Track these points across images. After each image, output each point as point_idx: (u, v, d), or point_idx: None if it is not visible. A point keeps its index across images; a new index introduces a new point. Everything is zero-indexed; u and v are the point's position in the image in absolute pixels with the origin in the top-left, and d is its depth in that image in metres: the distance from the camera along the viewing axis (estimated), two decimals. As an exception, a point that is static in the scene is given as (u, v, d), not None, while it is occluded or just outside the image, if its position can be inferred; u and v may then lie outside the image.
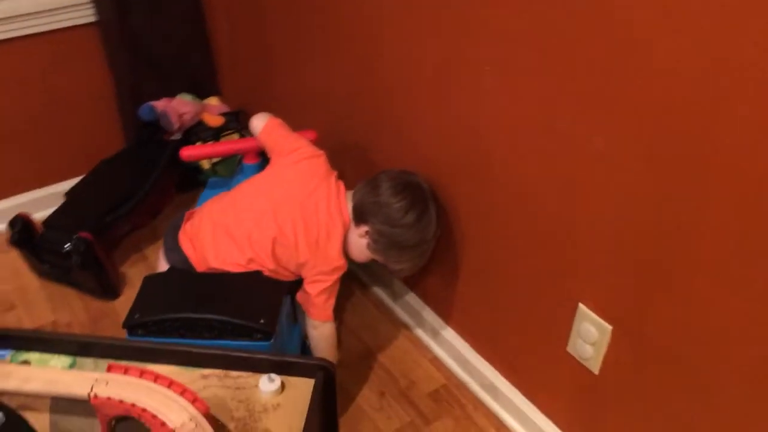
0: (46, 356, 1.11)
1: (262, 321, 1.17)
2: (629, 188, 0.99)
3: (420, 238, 1.30)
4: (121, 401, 0.94)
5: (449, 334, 1.53)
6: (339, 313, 1.67)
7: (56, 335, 1.12)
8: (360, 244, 1.32)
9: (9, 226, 1.62)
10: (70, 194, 1.73)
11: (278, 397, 1.06)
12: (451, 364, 1.55)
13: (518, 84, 1.10)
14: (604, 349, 1.14)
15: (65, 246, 1.59)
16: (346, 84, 1.55)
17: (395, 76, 1.38)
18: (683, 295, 0.97)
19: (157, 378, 0.98)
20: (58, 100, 1.82)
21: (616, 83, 0.94)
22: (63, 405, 0.99)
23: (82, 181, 1.77)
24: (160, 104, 1.83)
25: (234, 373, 1.10)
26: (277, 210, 1.29)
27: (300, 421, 1.01)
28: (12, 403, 1.03)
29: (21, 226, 1.62)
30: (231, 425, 1.02)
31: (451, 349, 1.53)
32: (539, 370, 1.33)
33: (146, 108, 1.83)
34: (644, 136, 0.93)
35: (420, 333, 1.62)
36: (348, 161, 1.66)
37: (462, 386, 1.51)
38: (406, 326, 1.65)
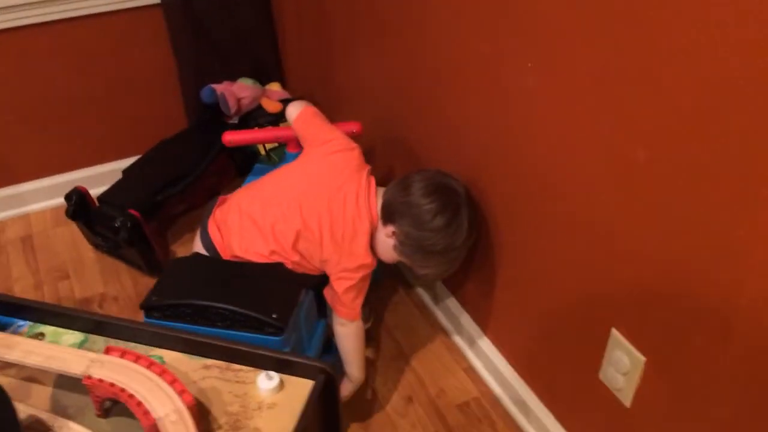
0: (60, 330, 1.13)
1: (274, 315, 1.13)
2: (671, 210, 0.88)
3: (448, 244, 1.23)
4: (111, 384, 0.93)
5: (485, 344, 1.45)
6: (379, 311, 1.63)
7: (72, 311, 1.12)
8: (387, 245, 1.26)
9: (65, 199, 1.67)
10: (127, 171, 1.77)
11: (275, 396, 1.02)
12: (485, 375, 1.46)
13: (567, 88, 1.01)
14: (636, 381, 1.03)
15: (115, 221, 1.62)
16: (396, 79, 1.50)
17: (442, 74, 1.31)
18: (723, 333, 0.85)
19: (150, 365, 0.96)
20: (123, 79, 1.86)
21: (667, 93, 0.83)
22: (65, 381, 0.99)
23: (140, 159, 1.80)
24: (221, 87, 1.84)
25: (236, 367, 1.07)
26: (303, 202, 1.25)
27: (293, 423, 0.97)
28: (20, 375, 1.04)
29: (77, 198, 1.66)
30: (222, 420, 0.99)
31: (486, 360, 1.45)
32: (572, 393, 1.23)
33: (207, 90, 1.85)
34: (691, 150, 0.82)
35: (457, 340, 1.55)
36: (397, 157, 1.61)
37: (495, 401, 1.43)
38: (444, 331, 1.58)
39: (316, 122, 1.37)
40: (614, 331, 1.05)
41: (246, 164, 1.96)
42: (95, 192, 1.73)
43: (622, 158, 0.93)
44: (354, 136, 1.39)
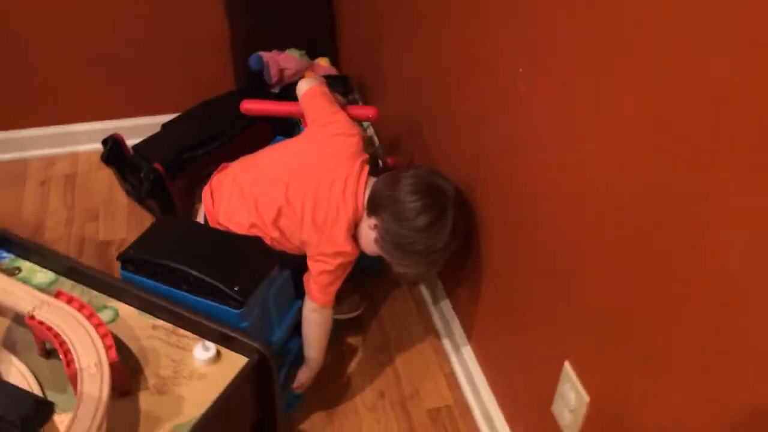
0: (36, 268, 1.19)
1: (236, 288, 1.14)
2: (629, 239, 0.81)
3: (428, 245, 1.19)
4: (49, 328, 0.97)
5: (468, 352, 1.41)
6: (376, 301, 1.61)
7: (50, 252, 1.18)
8: (369, 236, 1.24)
9: (102, 143, 1.74)
10: (165, 126, 1.82)
11: (208, 368, 1.04)
12: (463, 384, 1.42)
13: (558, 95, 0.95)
14: (580, 422, 0.97)
15: (141, 172, 1.68)
16: (423, 71, 1.45)
17: (452, 72, 1.26)
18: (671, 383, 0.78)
19: (90, 315, 0.99)
20: (175, 37, 1.91)
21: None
22: (22, 317, 1.04)
23: (180, 115, 1.85)
24: (267, 55, 1.85)
25: (182, 332, 1.09)
26: (291, 180, 1.25)
27: (216, 396, 0.98)
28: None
29: (112, 144, 1.73)
30: (152, 381, 1.01)
31: (466, 368, 1.40)
32: (527, 420, 1.17)
33: (255, 57, 1.87)
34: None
35: (446, 344, 1.50)
36: (417, 149, 1.57)
37: (466, 411, 1.38)
38: (436, 333, 1.54)
39: (322, 102, 1.35)
40: (566, 364, 0.99)
41: (286, 133, 1.97)
42: (135, 142, 1.79)
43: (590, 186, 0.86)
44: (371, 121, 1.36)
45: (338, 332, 1.51)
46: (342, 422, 1.37)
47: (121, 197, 1.89)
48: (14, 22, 1.81)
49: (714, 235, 0.66)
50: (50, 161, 1.99)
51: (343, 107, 1.48)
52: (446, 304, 1.51)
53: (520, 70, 1.00)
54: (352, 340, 1.52)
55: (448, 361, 1.48)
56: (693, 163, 0.67)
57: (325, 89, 1.38)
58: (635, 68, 0.73)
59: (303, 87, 1.39)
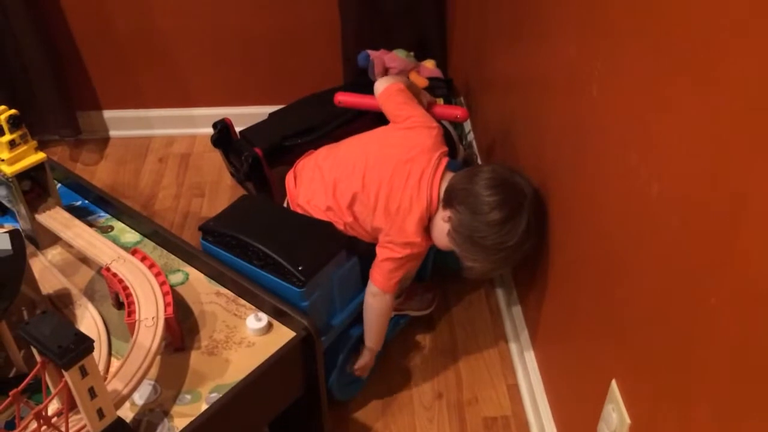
0: (126, 228, 1.29)
1: (300, 267, 1.18)
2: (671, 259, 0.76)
3: (499, 242, 1.17)
4: (120, 280, 1.05)
5: (532, 363, 1.37)
6: (450, 303, 1.60)
7: (140, 216, 1.28)
8: (442, 229, 1.24)
9: (213, 126, 1.86)
10: (272, 115, 1.91)
11: (258, 338, 1.08)
12: (525, 397, 1.38)
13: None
14: (621, 445, 0.92)
15: (243, 155, 1.77)
16: (518, 79, 1.43)
17: (539, 80, 1.24)
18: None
19: (158, 274, 1.07)
20: (290, 32, 1.99)
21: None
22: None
23: (288, 106, 1.94)
24: (374, 53, 1.89)
25: (241, 301, 1.15)
26: (368, 167, 1.27)
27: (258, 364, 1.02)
28: (78, 255, 1.20)
29: (221, 128, 1.84)
30: (204, 342, 1.07)
31: (528, 381, 1.37)
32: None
33: (363, 54, 1.91)
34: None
35: (514, 353, 1.47)
36: (509, 155, 1.55)
37: (523, 424, 1.34)
38: (505, 340, 1.51)
39: (399, 99, 1.36)
40: (613, 383, 0.94)
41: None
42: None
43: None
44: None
45: (408, 327, 1.52)
46: (396, 416, 1.37)
47: (226, 178, 2.00)
48: (154, 15, 1.98)
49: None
50: (170, 140, 2.15)
51: (432, 104, 1.49)
52: (517, 311, 1.47)
53: (595, 72, 0.97)
54: (420, 338, 1.53)
55: (513, 372, 1.45)
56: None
57: (402, 87, 1.39)
58: (701, 75, 0.69)
59: (380, 86, 1.41)
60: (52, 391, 0.83)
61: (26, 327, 0.75)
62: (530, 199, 1.19)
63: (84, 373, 0.78)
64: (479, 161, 1.78)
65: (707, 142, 0.68)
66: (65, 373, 0.76)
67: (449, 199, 1.22)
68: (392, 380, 1.43)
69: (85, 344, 0.75)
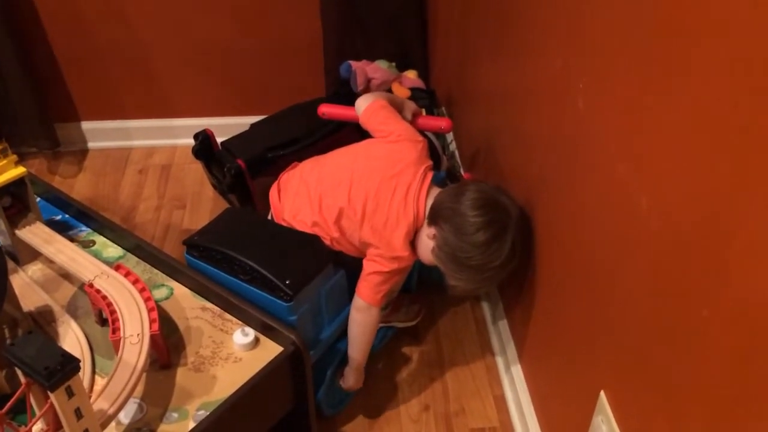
0: (108, 243, 1.27)
1: (287, 281, 1.17)
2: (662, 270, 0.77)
3: (484, 262, 1.17)
4: (104, 297, 1.03)
5: (518, 375, 1.37)
6: (436, 315, 1.59)
7: (122, 230, 1.26)
8: (426, 245, 1.23)
9: (194, 138, 1.84)
10: (253, 126, 1.89)
11: (245, 352, 1.07)
12: (512, 408, 1.38)
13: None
14: (611, 457, 0.92)
15: (226, 167, 1.76)
16: (502, 91, 1.44)
17: (522, 92, 1.25)
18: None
19: (143, 290, 1.05)
20: (272, 43, 1.99)
21: None
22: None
23: (269, 117, 1.93)
24: (356, 64, 1.89)
25: (228, 316, 1.14)
26: (354, 182, 1.27)
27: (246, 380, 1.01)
28: (60, 271, 1.18)
29: (202, 138, 1.82)
30: (191, 358, 1.06)
31: (515, 392, 1.37)
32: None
33: (345, 65, 1.91)
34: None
35: (500, 365, 1.47)
36: (491, 167, 1.56)
37: (510, 436, 1.35)
38: (491, 352, 1.51)
39: (382, 115, 1.35)
40: (602, 395, 0.94)
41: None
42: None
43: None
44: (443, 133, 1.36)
45: (393, 340, 1.51)
46: (383, 428, 1.37)
47: (208, 190, 1.98)
48: (132, 25, 1.96)
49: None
50: (150, 151, 2.12)
51: (418, 114, 1.49)
52: (504, 325, 1.48)
53: (581, 85, 0.98)
54: (406, 350, 1.52)
55: (499, 384, 1.45)
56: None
57: (384, 103, 1.37)
58: (691, 90, 0.70)
59: (361, 105, 1.39)
60: (37, 412, 0.81)
61: (11, 348, 0.74)
62: (515, 220, 1.19)
63: (70, 393, 0.76)
64: (462, 171, 1.79)
65: (696, 154, 0.69)
66: (51, 395, 0.75)
67: (434, 217, 1.22)
68: (379, 393, 1.43)
69: (72, 365, 0.73)
